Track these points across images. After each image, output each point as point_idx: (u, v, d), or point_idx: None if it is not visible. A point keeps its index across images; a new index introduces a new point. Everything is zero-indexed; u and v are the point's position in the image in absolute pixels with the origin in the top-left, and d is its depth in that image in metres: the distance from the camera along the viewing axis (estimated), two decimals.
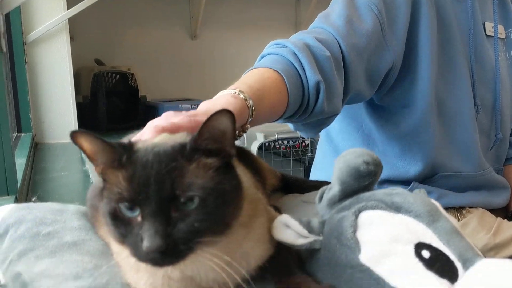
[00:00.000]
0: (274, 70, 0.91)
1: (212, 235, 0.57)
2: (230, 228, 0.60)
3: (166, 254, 0.55)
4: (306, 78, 0.95)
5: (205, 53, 4.73)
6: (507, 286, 0.56)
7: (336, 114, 1.08)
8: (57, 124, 3.19)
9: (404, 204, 0.64)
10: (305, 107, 0.98)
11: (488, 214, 1.36)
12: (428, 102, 1.23)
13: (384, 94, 1.25)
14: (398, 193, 0.66)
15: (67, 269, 0.71)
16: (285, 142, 2.86)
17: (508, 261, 0.60)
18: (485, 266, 0.59)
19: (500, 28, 1.42)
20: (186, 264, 0.60)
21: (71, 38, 3.28)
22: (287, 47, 0.97)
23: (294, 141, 2.87)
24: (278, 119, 0.98)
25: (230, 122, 0.59)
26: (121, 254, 0.64)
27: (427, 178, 1.30)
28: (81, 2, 3.19)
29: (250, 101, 0.81)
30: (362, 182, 0.69)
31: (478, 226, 1.30)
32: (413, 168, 1.28)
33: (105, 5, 3.69)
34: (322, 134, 1.48)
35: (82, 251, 0.76)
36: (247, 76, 0.91)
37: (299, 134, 3.03)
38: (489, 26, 1.38)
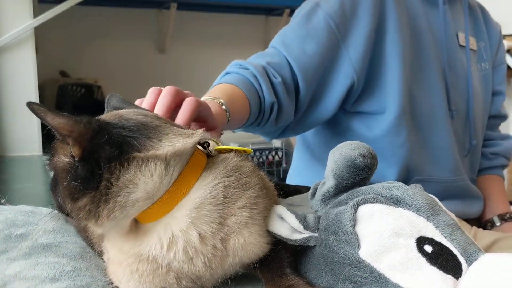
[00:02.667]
0: (240, 88, 1.06)
1: None
2: None
3: None
4: (264, 98, 1.11)
5: (173, 67, 4.68)
6: None
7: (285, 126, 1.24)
8: (20, 137, 3.05)
9: (404, 197, 0.62)
10: (260, 120, 1.14)
11: (464, 223, 1.36)
12: (400, 107, 1.24)
13: (353, 103, 1.26)
14: (396, 186, 0.64)
15: (43, 271, 0.66)
16: (258, 153, 2.82)
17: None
18: (489, 261, 0.57)
19: (472, 40, 1.45)
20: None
21: (36, 50, 3.18)
22: (248, 69, 1.12)
23: (268, 152, 2.83)
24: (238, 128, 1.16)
25: None
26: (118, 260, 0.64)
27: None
28: (48, 11, 3.11)
29: (226, 107, 0.96)
30: (358, 175, 0.66)
31: None
32: (389, 171, 1.27)
33: (71, 16, 3.61)
34: (298, 138, 1.48)
35: (58, 253, 0.72)
36: (220, 88, 1.06)
37: (273, 145, 3.03)
38: (462, 36, 1.41)
